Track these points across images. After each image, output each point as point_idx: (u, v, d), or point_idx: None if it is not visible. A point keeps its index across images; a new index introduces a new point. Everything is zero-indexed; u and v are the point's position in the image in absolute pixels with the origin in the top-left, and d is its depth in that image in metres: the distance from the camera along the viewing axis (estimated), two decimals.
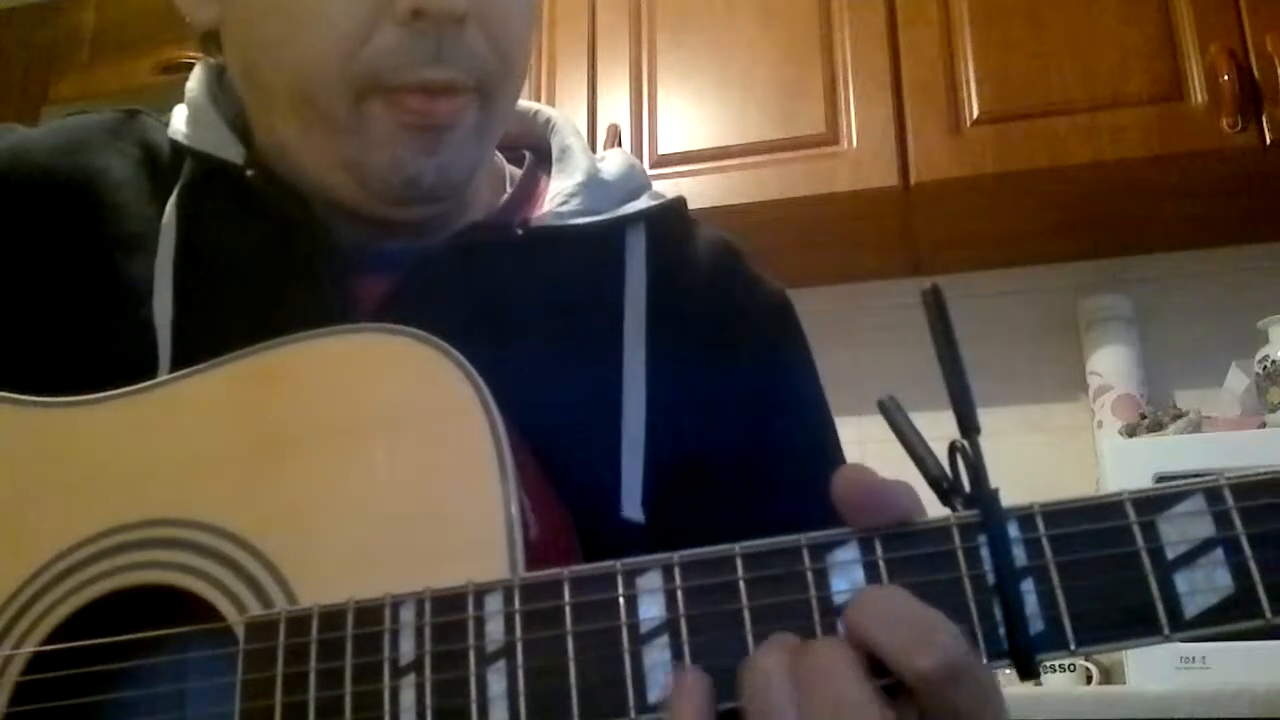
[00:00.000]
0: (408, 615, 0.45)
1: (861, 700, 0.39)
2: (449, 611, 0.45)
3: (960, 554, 0.43)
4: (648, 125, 1.98)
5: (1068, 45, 1.81)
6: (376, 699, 0.44)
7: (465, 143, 0.64)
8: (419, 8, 0.59)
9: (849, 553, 0.43)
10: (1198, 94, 1.73)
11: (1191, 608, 0.41)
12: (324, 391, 0.54)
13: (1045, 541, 0.42)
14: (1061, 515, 0.43)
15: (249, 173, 0.66)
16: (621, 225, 0.71)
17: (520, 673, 0.43)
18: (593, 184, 0.72)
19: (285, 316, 0.57)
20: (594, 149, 0.77)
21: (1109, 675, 1.73)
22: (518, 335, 0.65)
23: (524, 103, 0.74)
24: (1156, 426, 1.72)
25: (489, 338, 0.58)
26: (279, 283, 0.65)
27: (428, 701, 0.44)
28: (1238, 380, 1.80)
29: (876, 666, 0.41)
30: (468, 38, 0.61)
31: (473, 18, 0.61)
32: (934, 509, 0.45)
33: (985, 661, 0.41)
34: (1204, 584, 0.41)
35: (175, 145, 0.69)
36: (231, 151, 0.68)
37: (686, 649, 0.43)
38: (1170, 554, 0.42)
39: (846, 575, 0.43)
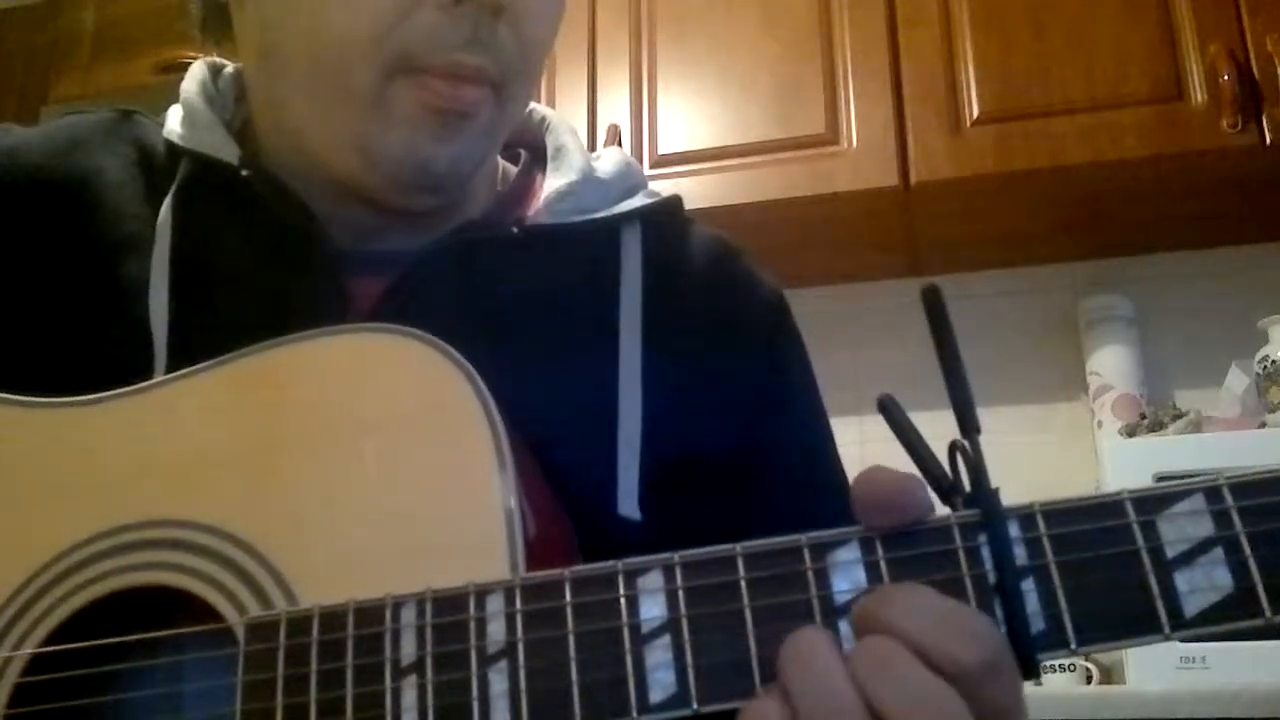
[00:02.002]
0: (409, 616, 0.45)
1: (941, 688, 0.39)
2: (450, 612, 0.45)
3: (961, 553, 0.43)
4: (648, 125, 1.98)
5: (1068, 45, 1.81)
6: (378, 700, 0.44)
7: (478, 136, 0.65)
8: None
9: (850, 552, 0.44)
10: (1198, 94, 1.73)
11: (1191, 607, 0.41)
12: (322, 391, 0.54)
13: (1046, 541, 0.42)
14: (1062, 514, 0.43)
15: (244, 173, 0.66)
16: (617, 223, 0.71)
17: (522, 673, 0.43)
18: (588, 182, 0.72)
19: (281, 317, 0.57)
20: (594, 149, 0.77)
21: (1109, 675, 1.73)
22: (513, 334, 0.65)
23: None
24: (1156, 426, 1.72)
25: (485, 336, 0.58)
26: (275, 283, 0.65)
27: (429, 702, 0.44)
28: (1238, 380, 1.80)
29: None
30: (500, 32, 0.63)
31: (508, 14, 0.62)
32: (934, 509, 0.45)
33: None
34: (1204, 583, 0.41)
35: (170, 146, 0.69)
36: (227, 152, 0.68)
37: (688, 649, 0.43)
38: (1170, 553, 0.42)
39: (848, 575, 0.43)
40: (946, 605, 0.41)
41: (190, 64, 0.75)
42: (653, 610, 0.44)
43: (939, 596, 0.41)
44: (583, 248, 0.70)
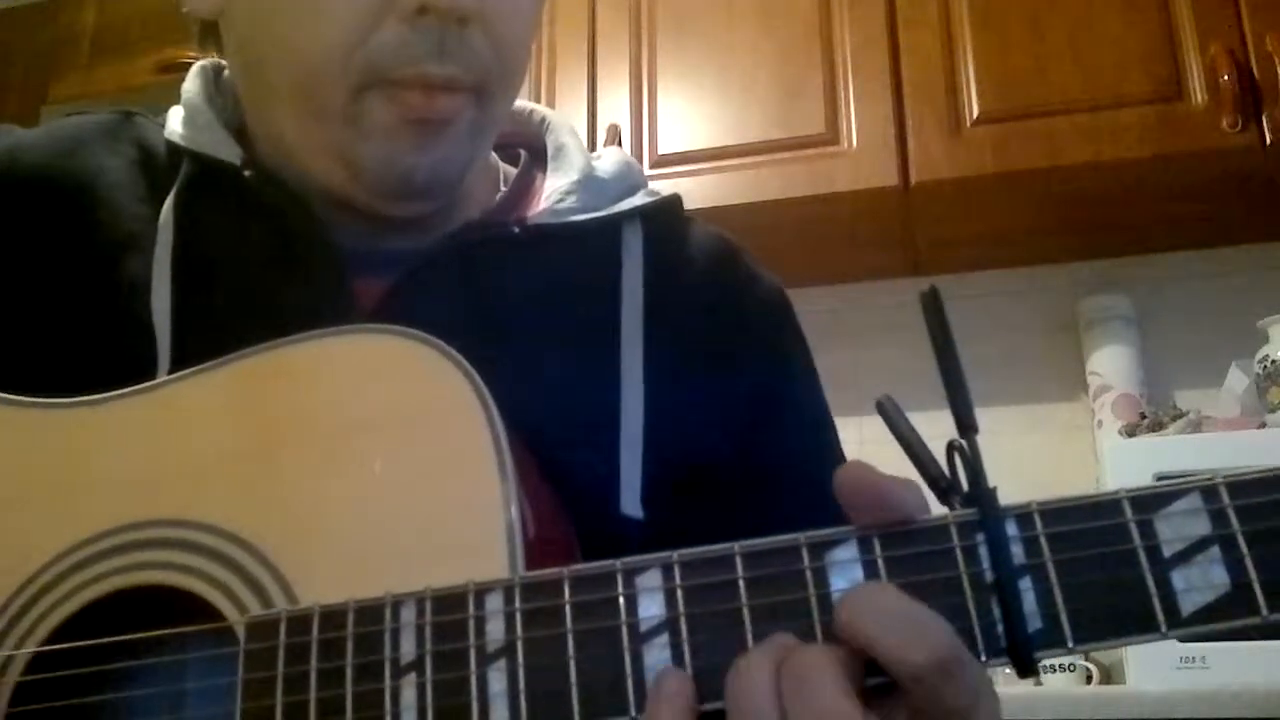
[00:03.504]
0: (408, 615, 0.46)
1: (843, 710, 0.39)
2: (449, 611, 0.45)
3: (959, 552, 0.43)
4: (648, 125, 1.98)
5: (1068, 45, 1.81)
6: (377, 698, 0.45)
7: (460, 141, 0.65)
8: (426, 4, 0.60)
9: (848, 551, 0.44)
10: (1198, 94, 1.73)
11: (1188, 605, 0.41)
12: (324, 392, 0.54)
13: (1043, 540, 0.42)
14: (1059, 513, 0.43)
15: (246, 173, 0.67)
16: (618, 222, 0.72)
17: (521, 672, 0.44)
18: (589, 181, 0.72)
19: (284, 316, 0.57)
20: (594, 149, 0.77)
21: (1109, 675, 1.73)
22: (516, 333, 0.65)
23: (519, 102, 0.74)
24: (1156, 426, 1.72)
25: (487, 336, 0.58)
26: (277, 283, 0.65)
27: (428, 701, 0.44)
28: (1238, 380, 1.80)
29: (868, 665, 0.41)
30: (470, 37, 0.62)
31: (476, 18, 0.62)
32: (933, 508, 0.45)
33: (984, 660, 0.42)
34: (1200, 581, 0.41)
35: (172, 146, 0.69)
36: (228, 152, 0.68)
37: (686, 648, 0.43)
38: (1167, 552, 0.42)
39: (846, 574, 0.43)
40: (903, 607, 0.41)
41: (190, 64, 0.75)
42: (651, 609, 0.44)
43: (900, 599, 0.41)
44: (584, 247, 0.70)
